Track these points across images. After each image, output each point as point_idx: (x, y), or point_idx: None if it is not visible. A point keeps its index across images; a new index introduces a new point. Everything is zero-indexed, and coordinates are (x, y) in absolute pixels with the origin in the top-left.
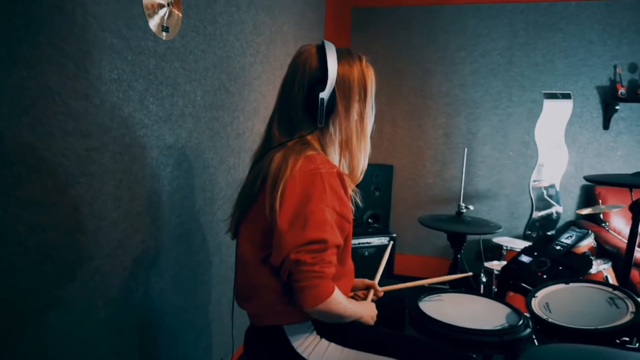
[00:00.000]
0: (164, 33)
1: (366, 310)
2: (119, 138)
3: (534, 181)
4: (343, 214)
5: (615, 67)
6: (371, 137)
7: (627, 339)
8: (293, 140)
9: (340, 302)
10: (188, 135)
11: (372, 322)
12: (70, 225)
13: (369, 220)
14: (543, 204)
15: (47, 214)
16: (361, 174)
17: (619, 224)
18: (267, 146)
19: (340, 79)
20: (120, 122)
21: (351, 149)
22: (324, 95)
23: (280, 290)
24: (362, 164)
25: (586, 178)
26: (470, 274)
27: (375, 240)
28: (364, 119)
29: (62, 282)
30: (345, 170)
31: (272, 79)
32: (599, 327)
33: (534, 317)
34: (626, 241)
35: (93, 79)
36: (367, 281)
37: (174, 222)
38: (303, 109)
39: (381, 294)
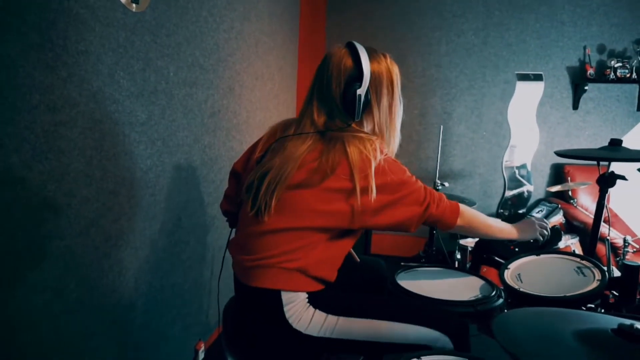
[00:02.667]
0: (133, 5)
1: (528, 231)
2: (88, 113)
3: (506, 161)
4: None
5: (584, 48)
6: None
7: (593, 305)
8: (342, 130)
9: (471, 210)
10: (161, 112)
11: (540, 238)
12: (38, 203)
13: None
14: (515, 183)
15: (12, 190)
16: None
17: (586, 201)
18: (305, 127)
19: (372, 76)
20: (89, 96)
21: (382, 139)
22: (361, 91)
23: (307, 256)
24: (392, 152)
25: (557, 153)
26: None
27: None
28: (393, 111)
29: (31, 261)
30: None
31: (247, 56)
32: (567, 294)
33: (507, 287)
34: (593, 217)
35: (59, 50)
36: None
37: (148, 200)
38: (342, 104)
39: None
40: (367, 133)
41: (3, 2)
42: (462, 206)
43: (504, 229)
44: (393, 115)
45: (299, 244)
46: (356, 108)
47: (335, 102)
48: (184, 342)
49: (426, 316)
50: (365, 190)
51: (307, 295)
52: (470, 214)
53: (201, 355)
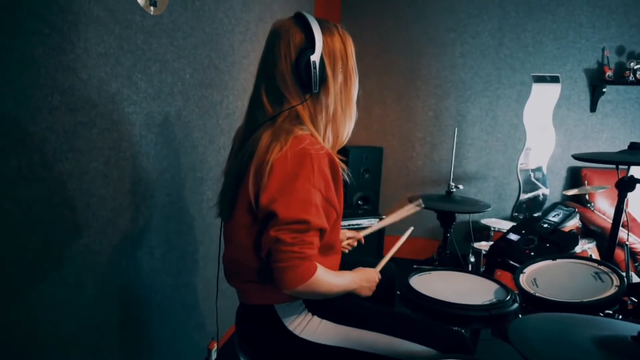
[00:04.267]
0: (151, 7)
1: (361, 281)
2: (107, 114)
3: (521, 164)
4: (329, 198)
5: (603, 49)
6: (360, 119)
7: (610, 312)
8: (283, 115)
9: (322, 282)
10: (177, 113)
11: (369, 293)
12: (58, 201)
13: (359, 202)
14: (530, 186)
15: (33, 189)
16: (346, 138)
17: (604, 205)
18: (254, 123)
19: (325, 46)
20: (108, 97)
21: (339, 116)
22: (315, 58)
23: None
24: (348, 129)
25: (574, 156)
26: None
27: (365, 222)
28: (349, 84)
29: (51, 258)
30: (330, 136)
31: None
32: (584, 300)
33: (522, 292)
34: (611, 221)
35: (79, 52)
36: (347, 233)
37: (163, 201)
38: (295, 77)
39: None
40: (300, 121)
41: (26, 4)
42: (316, 276)
43: (346, 283)
44: (349, 91)
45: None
46: (312, 77)
47: (285, 81)
48: (197, 340)
49: (435, 337)
50: (259, 182)
51: (303, 303)
52: (318, 282)
53: (214, 354)
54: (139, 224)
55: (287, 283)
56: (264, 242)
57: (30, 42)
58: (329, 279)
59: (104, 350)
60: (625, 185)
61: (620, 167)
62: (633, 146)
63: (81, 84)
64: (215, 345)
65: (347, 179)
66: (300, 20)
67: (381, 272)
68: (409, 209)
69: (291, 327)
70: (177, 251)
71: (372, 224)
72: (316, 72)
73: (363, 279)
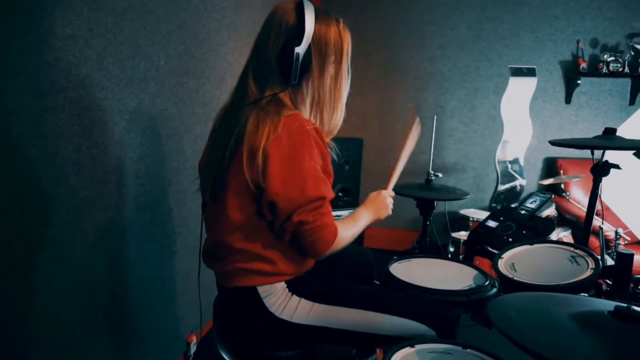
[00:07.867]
0: None
1: (377, 211)
2: (76, 99)
3: (499, 155)
4: (327, 168)
5: (577, 42)
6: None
7: (586, 295)
8: (265, 99)
9: (345, 237)
10: (151, 100)
11: (390, 213)
12: (24, 190)
13: (339, 193)
14: (507, 178)
15: None
16: (331, 130)
17: (579, 195)
18: (241, 101)
19: (317, 37)
20: (77, 82)
21: (322, 110)
22: (300, 50)
23: (258, 252)
24: (329, 125)
25: (551, 142)
26: None
27: (345, 213)
28: (340, 80)
29: (18, 249)
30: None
31: (239, 46)
32: (562, 282)
33: (500, 276)
34: (585, 210)
35: (45, 32)
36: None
37: (138, 190)
38: (277, 65)
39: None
40: (284, 105)
41: None
42: (338, 236)
43: (364, 223)
44: (339, 86)
45: (253, 237)
46: (292, 68)
47: (270, 65)
48: (175, 334)
49: (414, 309)
50: (254, 164)
51: (285, 285)
52: (342, 239)
53: (193, 347)
54: (113, 214)
55: (319, 253)
56: (286, 227)
57: None
58: (349, 231)
59: (78, 344)
60: (599, 171)
61: (595, 153)
62: (607, 131)
63: (47, 66)
64: (194, 338)
65: (335, 157)
66: (297, 8)
67: (357, 258)
68: (413, 132)
69: (272, 308)
70: (153, 243)
71: (394, 170)
72: (298, 64)
73: (378, 209)
